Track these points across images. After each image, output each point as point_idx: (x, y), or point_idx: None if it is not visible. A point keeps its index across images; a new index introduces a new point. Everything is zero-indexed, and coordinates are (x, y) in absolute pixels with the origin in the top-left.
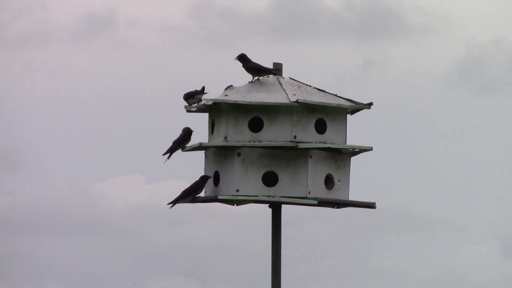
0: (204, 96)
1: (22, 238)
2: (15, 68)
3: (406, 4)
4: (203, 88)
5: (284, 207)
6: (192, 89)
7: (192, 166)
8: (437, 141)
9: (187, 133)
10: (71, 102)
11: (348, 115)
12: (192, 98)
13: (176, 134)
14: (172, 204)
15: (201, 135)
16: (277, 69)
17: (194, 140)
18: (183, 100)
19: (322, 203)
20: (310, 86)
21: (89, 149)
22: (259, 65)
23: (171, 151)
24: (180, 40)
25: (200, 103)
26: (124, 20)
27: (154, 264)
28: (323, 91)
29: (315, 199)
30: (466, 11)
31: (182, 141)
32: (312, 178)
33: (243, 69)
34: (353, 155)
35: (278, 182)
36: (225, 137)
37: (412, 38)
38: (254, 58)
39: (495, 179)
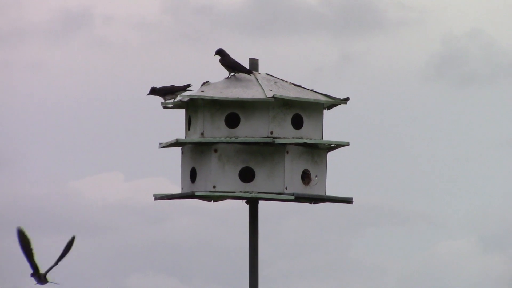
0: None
1: (0, 235)
2: None
3: None
4: (188, 85)
5: (261, 203)
6: (167, 85)
7: (169, 163)
8: (414, 136)
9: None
10: (48, 100)
11: (324, 110)
12: (172, 94)
13: (153, 130)
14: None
15: (177, 131)
16: (253, 65)
17: (170, 137)
18: (156, 95)
19: (299, 198)
20: (286, 81)
21: (67, 146)
22: (236, 63)
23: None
24: (156, 37)
25: (176, 99)
26: (100, 17)
27: (133, 261)
28: (300, 86)
29: (292, 194)
30: (443, 5)
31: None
32: (289, 174)
33: (220, 64)
34: (330, 151)
35: (255, 178)
36: (202, 133)
37: (389, 32)
38: (231, 54)
39: (473, 172)
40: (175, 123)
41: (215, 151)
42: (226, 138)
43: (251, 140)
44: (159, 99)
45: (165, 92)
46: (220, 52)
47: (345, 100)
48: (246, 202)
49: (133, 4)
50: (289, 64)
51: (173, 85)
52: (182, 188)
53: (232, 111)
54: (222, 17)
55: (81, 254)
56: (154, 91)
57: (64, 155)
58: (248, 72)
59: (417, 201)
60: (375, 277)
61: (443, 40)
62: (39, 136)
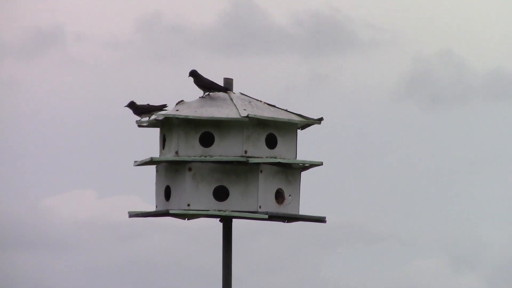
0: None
1: None
2: None
3: (355, 19)
4: (165, 105)
5: (235, 221)
6: (142, 103)
7: (143, 181)
8: (386, 155)
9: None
10: (22, 118)
11: (298, 130)
12: (148, 113)
13: (128, 149)
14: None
15: (152, 149)
16: (228, 85)
17: (145, 155)
18: (131, 112)
19: (273, 217)
20: (260, 101)
21: (40, 163)
22: (212, 82)
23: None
24: (129, 55)
25: (151, 118)
26: (71, 35)
27: (106, 278)
28: (274, 106)
29: (266, 213)
30: (413, 25)
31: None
32: (262, 193)
33: (194, 84)
34: (304, 170)
35: (229, 196)
36: (176, 152)
37: (361, 53)
38: (205, 73)
39: (443, 192)
40: (149, 141)
41: (190, 169)
42: (200, 157)
43: (225, 159)
44: (134, 117)
45: (141, 111)
46: (193, 73)
47: (319, 120)
48: (220, 221)
49: (106, 23)
50: (262, 83)
51: (149, 104)
52: (156, 206)
53: (207, 130)
54: (194, 37)
55: (54, 271)
56: (132, 106)
57: (37, 172)
58: (225, 89)
59: (388, 220)
60: None
61: (414, 60)
62: (12, 153)
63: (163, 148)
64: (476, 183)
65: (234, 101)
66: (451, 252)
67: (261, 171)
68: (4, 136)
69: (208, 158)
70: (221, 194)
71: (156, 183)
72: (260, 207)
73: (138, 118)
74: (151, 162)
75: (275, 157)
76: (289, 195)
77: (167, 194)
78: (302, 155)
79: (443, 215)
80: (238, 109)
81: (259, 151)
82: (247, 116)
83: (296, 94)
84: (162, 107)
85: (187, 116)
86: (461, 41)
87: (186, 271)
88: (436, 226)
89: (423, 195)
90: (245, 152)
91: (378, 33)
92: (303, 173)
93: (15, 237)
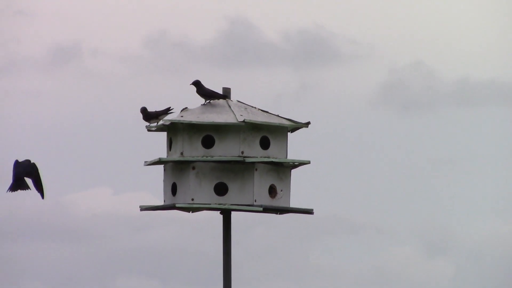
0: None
1: (2, 243)
2: None
3: (338, 35)
4: (168, 108)
5: (233, 214)
6: (152, 110)
7: (152, 179)
8: (365, 155)
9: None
10: (45, 125)
11: (288, 133)
12: (156, 118)
13: (139, 151)
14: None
15: (160, 151)
16: (226, 93)
17: (154, 156)
18: (140, 114)
19: (267, 210)
20: (255, 107)
21: (62, 165)
22: (212, 91)
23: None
24: (139, 68)
25: (159, 123)
26: (88, 50)
27: (120, 265)
28: (267, 112)
29: (260, 206)
30: (388, 40)
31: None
32: (257, 188)
33: (197, 93)
34: (293, 168)
35: (228, 191)
36: (181, 153)
37: (343, 65)
38: (206, 83)
39: (416, 186)
40: (158, 144)
41: (193, 168)
42: (202, 157)
43: (225, 159)
44: (144, 123)
45: (150, 117)
46: (196, 83)
47: (307, 124)
48: (220, 213)
49: (117, 39)
50: (257, 92)
51: (156, 111)
52: (164, 201)
53: (208, 134)
54: (196, 51)
55: (74, 259)
56: (144, 112)
57: (60, 172)
58: (224, 97)
59: (369, 212)
60: (333, 280)
61: (389, 71)
62: (38, 156)
63: (170, 150)
64: (445, 179)
65: (232, 108)
66: (426, 240)
67: (256, 169)
68: (30, 141)
69: (209, 158)
70: (221, 189)
71: (164, 181)
72: (255, 201)
73: (147, 123)
74: (159, 162)
75: (268, 157)
76: (281, 190)
77: (174, 190)
78: (292, 155)
79: (418, 206)
80: (235, 115)
81: (254, 152)
82: (244, 121)
83: (286, 101)
84: (167, 110)
85: (190, 121)
86: (431, 53)
87: (191, 257)
88: (412, 217)
89: (399, 189)
90: (242, 152)
91: (358, 48)
92: (293, 171)
93: (41, 229)
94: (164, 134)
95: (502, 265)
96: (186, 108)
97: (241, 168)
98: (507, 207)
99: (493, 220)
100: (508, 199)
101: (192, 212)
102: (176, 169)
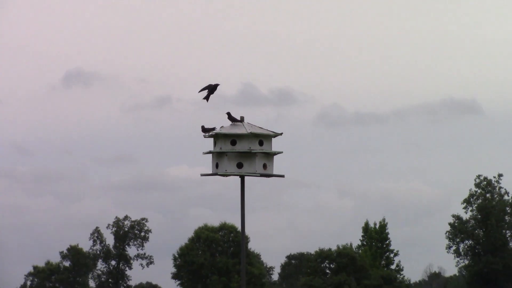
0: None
1: None
2: None
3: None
4: (214, 128)
5: (246, 178)
6: (209, 127)
7: (207, 160)
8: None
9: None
10: None
11: (273, 138)
12: (208, 132)
13: (201, 148)
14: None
15: (211, 147)
16: (242, 119)
17: (207, 149)
18: (201, 132)
19: (262, 175)
20: (256, 125)
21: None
22: (235, 118)
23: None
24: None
25: (210, 133)
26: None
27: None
28: (261, 128)
29: (259, 174)
30: None
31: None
32: (257, 165)
33: (228, 119)
34: (275, 155)
35: (243, 167)
36: (220, 148)
37: None
38: (232, 113)
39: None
40: (210, 143)
41: (226, 155)
42: (230, 150)
43: (241, 150)
44: (202, 134)
45: (205, 131)
46: (228, 114)
47: (281, 134)
48: (239, 177)
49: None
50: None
51: (208, 127)
52: (212, 171)
53: (233, 138)
54: (225, 99)
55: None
56: (202, 128)
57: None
58: (239, 121)
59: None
60: None
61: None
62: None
63: (214, 146)
64: None
65: (245, 126)
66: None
67: (256, 155)
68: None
69: (234, 150)
70: (239, 165)
71: (212, 161)
72: (256, 171)
73: (204, 134)
74: (209, 152)
75: (263, 150)
76: (268, 166)
77: (216, 165)
78: (275, 148)
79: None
80: (246, 129)
81: (255, 147)
82: (250, 132)
83: (271, 124)
84: (214, 129)
85: (225, 133)
86: None
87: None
88: None
89: None
90: (250, 148)
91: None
92: (275, 157)
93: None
94: (211, 140)
95: None
96: (222, 126)
97: (249, 155)
98: None
99: None
100: None
101: (226, 177)
102: (218, 156)
